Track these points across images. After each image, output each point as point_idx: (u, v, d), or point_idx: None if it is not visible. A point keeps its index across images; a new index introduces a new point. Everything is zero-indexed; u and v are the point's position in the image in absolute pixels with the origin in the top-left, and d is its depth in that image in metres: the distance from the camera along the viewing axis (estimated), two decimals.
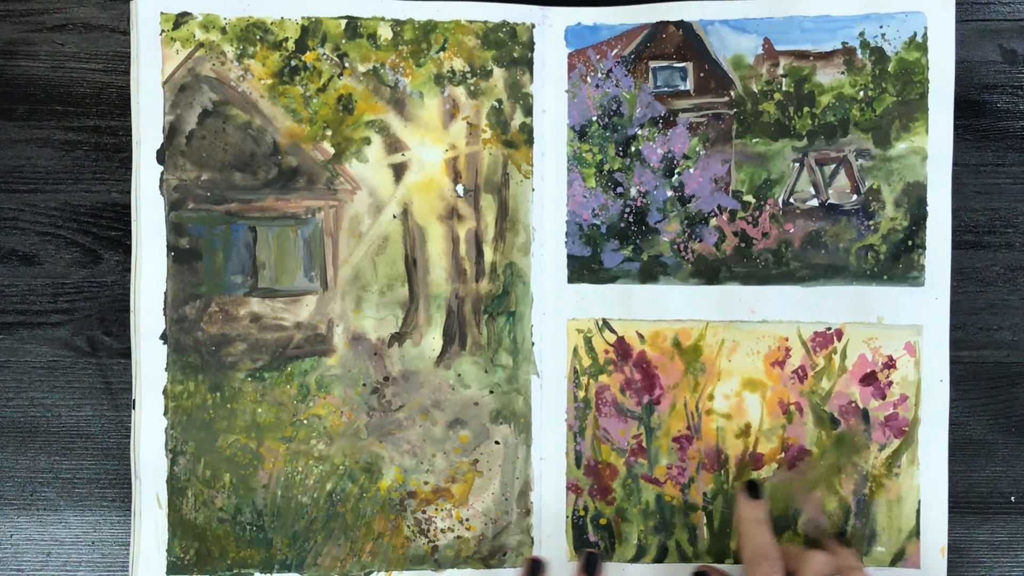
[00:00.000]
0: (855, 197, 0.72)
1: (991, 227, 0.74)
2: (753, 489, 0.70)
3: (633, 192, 0.72)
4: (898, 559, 0.72)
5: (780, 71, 0.72)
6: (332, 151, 0.71)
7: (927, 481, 0.72)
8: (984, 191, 0.74)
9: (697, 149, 0.72)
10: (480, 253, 0.72)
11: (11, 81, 0.73)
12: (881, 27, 0.71)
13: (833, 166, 0.72)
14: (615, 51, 0.72)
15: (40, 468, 0.73)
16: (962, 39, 0.73)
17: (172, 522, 0.71)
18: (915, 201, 0.71)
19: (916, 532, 0.71)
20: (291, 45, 0.71)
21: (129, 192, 0.71)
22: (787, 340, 0.72)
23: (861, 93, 0.71)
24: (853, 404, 0.72)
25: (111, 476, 0.73)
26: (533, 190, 0.72)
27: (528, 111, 0.72)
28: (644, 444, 0.72)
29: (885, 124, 0.71)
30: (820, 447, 0.72)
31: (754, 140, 0.72)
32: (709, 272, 0.72)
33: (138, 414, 0.70)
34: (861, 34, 0.71)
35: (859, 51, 0.71)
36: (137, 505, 0.70)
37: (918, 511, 0.72)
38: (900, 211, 0.72)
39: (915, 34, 0.71)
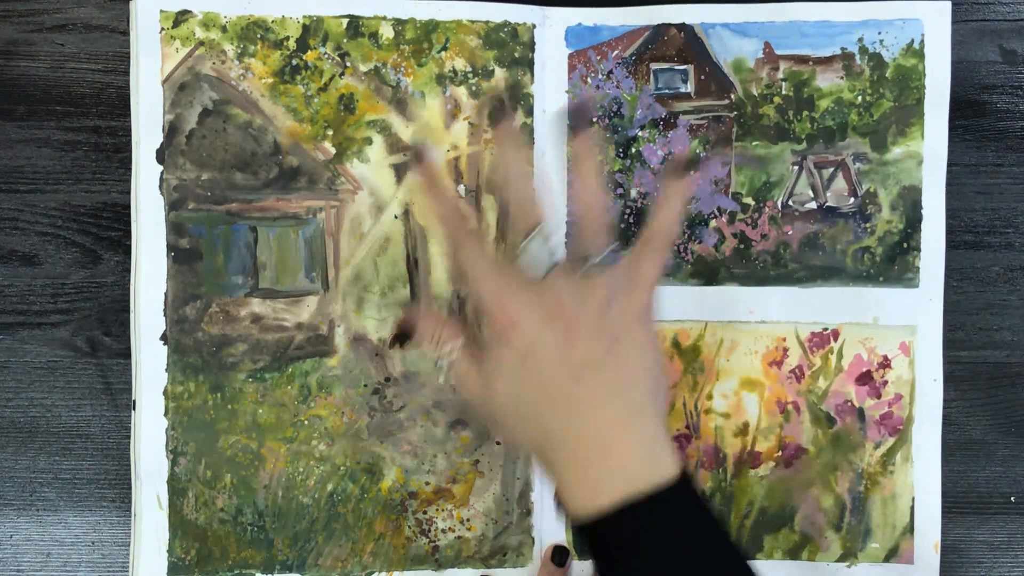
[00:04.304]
0: (852, 200, 0.72)
1: (991, 227, 0.74)
2: None
3: (633, 193, 0.72)
4: (892, 555, 0.72)
5: (780, 75, 0.72)
6: (333, 151, 0.71)
7: (921, 478, 0.72)
8: (984, 191, 0.74)
9: (697, 151, 0.72)
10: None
11: (11, 81, 0.72)
12: (879, 33, 0.72)
13: (831, 169, 0.72)
14: (615, 52, 0.72)
15: (40, 468, 0.72)
16: (962, 39, 0.74)
17: (173, 523, 0.71)
18: (910, 205, 0.72)
19: (910, 528, 0.72)
20: (292, 44, 0.71)
21: (129, 192, 0.71)
22: (785, 340, 0.72)
23: (859, 98, 0.72)
24: (849, 403, 0.73)
25: (111, 476, 0.72)
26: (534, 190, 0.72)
27: (529, 111, 0.72)
28: None
29: (882, 129, 0.72)
30: (817, 445, 0.72)
31: (754, 143, 0.72)
32: (708, 273, 0.72)
33: (138, 415, 0.70)
34: (860, 40, 0.72)
35: (858, 57, 0.72)
36: (137, 506, 0.70)
37: (912, 508, 0.72)
38: (896, 214, 0.72)
39: (912, 41, 0.72)
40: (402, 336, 0.62)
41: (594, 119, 0.71)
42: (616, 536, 0.54)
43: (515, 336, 0.57)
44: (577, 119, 0.68)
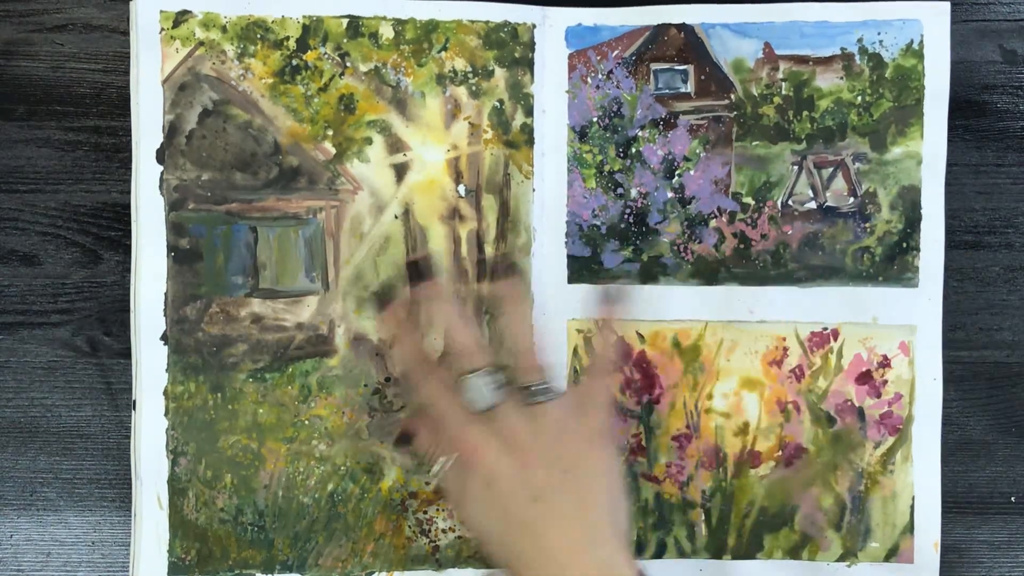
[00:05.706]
0: (852, 200, 0.72)
1: (991, 227, 0.74)
2: None
3: (633, 193, 0.72)
4: (892, 555, 0.72)
5: (780, 75, 0.72)
6: (333, 151, 0.71)
7: (920, 477, 0.72)
8: (984, 191, 0.74)
9: (697, 151, 0.72)
10: (481, 254, 0.72)
11: (11, 81, 0.72)
12: (879, 34, 0.72)
13: (831, 169, 0.72)
14: (615, 52, 0.72)
15: (40, 468, 0.72)
16: (962, 39, 0.74)
17: (173, 523, 0.70)
18: (909, 204, 0.72)
19: (910, 528, 0.72)
20: (292, 44, 0.71)
21: (129, 192, 0.71)
22: (785, 340, 0.72)
23: (859, 98, 0.72)
24: (849, 403, 0.73)
25: (111, 476, 0.72)
26: (534, 190, 0.72)
27: (529, 111, 0.72)
28: (644, 443, 0.73)
29: (882, 129, 0.72)
30: (817, 445, 0.72)
31: (754, 143, 0.72)
32: (708, 273, 0.72)
33: (138, 415, 0.70)
34: (859, 40, 0.72)
35: (857, 57, 0.72)
36: (137, 506, 0.70)
37: (912, 507, 0.72)
38: (895, 214, 0.72)
39: (912, 41, 0.72)
40: (405, 438, 0.68)
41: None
42: None
43: (477, 464, 0.62)
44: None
